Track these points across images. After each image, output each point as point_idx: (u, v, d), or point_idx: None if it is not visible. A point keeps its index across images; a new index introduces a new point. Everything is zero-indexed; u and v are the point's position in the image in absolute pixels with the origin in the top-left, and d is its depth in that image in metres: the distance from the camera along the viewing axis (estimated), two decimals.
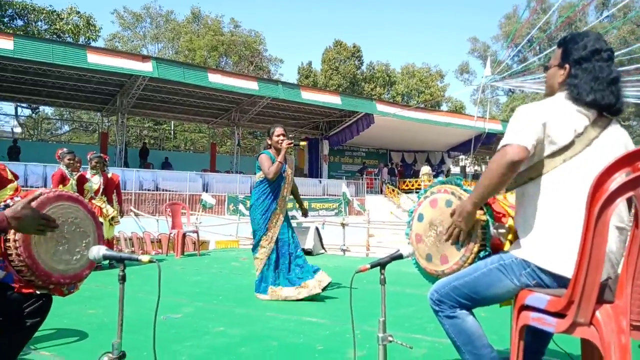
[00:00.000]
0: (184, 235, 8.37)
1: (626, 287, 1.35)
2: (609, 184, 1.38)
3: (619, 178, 1.37)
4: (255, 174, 4.56)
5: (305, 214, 4.84)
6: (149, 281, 5.34)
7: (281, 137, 4.34)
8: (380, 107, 21.20)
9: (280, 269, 4.32)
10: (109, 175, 6.81)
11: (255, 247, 4.42)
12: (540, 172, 1.63)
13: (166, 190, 16.68)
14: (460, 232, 1.80)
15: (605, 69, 1.64)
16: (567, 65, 1.70)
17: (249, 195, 18.30)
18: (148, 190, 16.47)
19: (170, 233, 8.31)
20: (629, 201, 1.55)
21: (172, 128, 30.97)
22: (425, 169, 24.20)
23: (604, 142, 1.62)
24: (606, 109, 1.62)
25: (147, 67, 15.42)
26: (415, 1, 77.52)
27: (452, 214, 1.84)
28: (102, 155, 6.80)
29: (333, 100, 19.99)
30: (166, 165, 20.57)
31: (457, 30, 78.68)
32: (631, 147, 1.69)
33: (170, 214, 8.38)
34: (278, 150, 4.33)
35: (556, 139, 1.60)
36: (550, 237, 1.59)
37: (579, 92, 1.63)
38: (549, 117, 1.60)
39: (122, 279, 1.79)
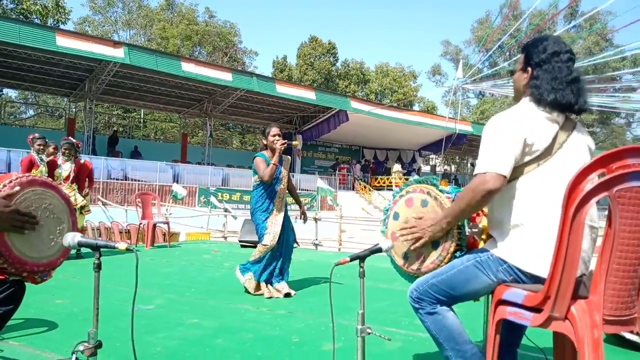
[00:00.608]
0: (154, 226, 8.23)
1: (599, 283, 1.41)
2: (584, 185, 1.44)
3: (594, 179, 1.43)
4: (252, 176, 4.48)
5: (304, 219, 4.75)
6: (117, 271, 5.23)
7: (277, 138, 4.28)
8: (355, 104, 21.32)
9: (271, 267, 4.29)
10: (82, 162, 6.59)
11: (260, 239, 4.34)
12: (516, 176, 1.68)
13: (135, 180, 16.32)
14: (420, 238, 1.85)
15: (564, 69, 1.69)
16: (529, 68, 1.76)
17: (222, 187, 18.17)
18: (116, 179, 16.07)
19: (140, 223, 8.15)
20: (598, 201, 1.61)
21: (142, 116, 30.27)
22: (397, 167, 24.54)
23: (572, 145, 1.69)
24: (568, 108, 1.68)
25: (118, 53, 15.00)
26: (391, 1, 78.11)
27: (418, 219, 1.88)
28: (74, 141, 6.57)
29: (307, 95, 19.97)
30: (135, 154, 20.10)
31: (431, 32, 79.75)
32: (593, 147, 1.78)
33: (140, 205, 8.21)
34: (274, 151, 4.28)
35: (534, 149, 1.65)
36: (526, 237, 1.63)
37: (540, 93, 1.67)
38: (526, 132, 1.64)
39: (98, 267, 1.75)
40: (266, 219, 4.28)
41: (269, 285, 4.27)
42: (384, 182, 24.65)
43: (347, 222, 11.04)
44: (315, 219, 9.61)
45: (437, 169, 36.81)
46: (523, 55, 1.81)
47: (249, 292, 4.26)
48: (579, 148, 1.70)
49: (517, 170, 1.67)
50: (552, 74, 1.68)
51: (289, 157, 4.66)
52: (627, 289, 1.45)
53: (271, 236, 4.25)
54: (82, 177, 6.50)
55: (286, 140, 4.29)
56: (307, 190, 20.38)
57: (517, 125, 1.65)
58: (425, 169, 35.86)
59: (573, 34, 35.69)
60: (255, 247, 4.47)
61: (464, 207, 1.69)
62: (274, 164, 4.18)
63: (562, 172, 1.62)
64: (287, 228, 4.41)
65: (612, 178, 1.41)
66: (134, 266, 1.74)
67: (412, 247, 1.89)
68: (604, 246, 1.43)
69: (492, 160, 1.62)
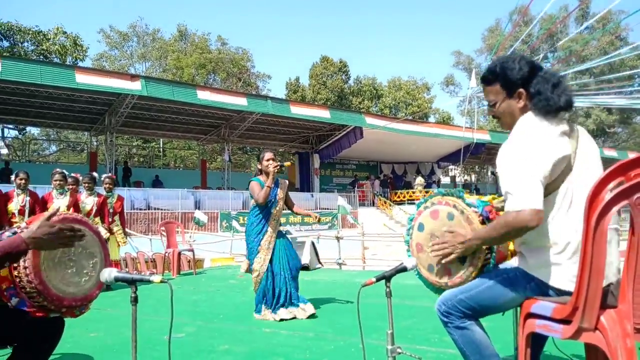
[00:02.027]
0: (180, 254, 8.33)
1: (627, 292, 1.42)
2: (604, 194, 1.46)
3: (614, 187, 1.44)
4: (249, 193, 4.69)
5: (319, 220, 5.08)
6: (146, 301, 5.32)
7: (270, 162, 4.47)
8: (369, 119, 21.39)
9: (277, 291, 4.35)
10: (115, 196, 6.88)
11: (250, 269, 4.52)
12: (545, 194, 1.69)
13: (158, 209, 16.56)
14: (449, 254, 1.85)
15: (550, 75, 1.71)
16: (520, 90, 1.74)
17: (242, 211, 18.31)
18: (140, 209, 16.35)
19: (166, 252, 8.26)
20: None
21: (162, 146, 30.87)
22: (419, 180, 24.41)
23: (583, 152, 1.70)
24: (569, 107, 1.68)
25: (136, 86, 15.42)
26: (399, 17, 78.77)
27: (449, 232, 1.89)
28: (95, 175, 6.77)
29: (322, 114, 20.14)
30: (157, 183, 20.46)
31: (441, 43, 79.94)
32: (595, 146, 1.77)
33: (165, 233, 8.35)
34: (268, 174, 4.46)
35: (560, 169, 1.65)
36: (555, 253, 1.65)
37: (549, 104, 1.66)
38: (551, 155, 1.62)
39: (135, 300, 1.83)
40: (259, 241, 4.40)
41: (281, 308, 4.30)
42: (404, 197, 24.52)
43: (369, 239, 11.00)
44: (338, 238, 9.60)
45: (457, 179, 36.45)
46: (498, 85, 1.78)
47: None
48: (589, 153, 1.71)
49: (546, 189, 1.67)
50: (549, 82, 1.69)
51: (287, 180, 4.84)
52: None
53: (261, 260, 4.35)
54: (107, 211, 6.68)
55: (278, 163, 4.45)
56: (328, 208, 20.40)
57: (540, 150, 1.62)
58: (445, 180, 35.57)
59: (586, 35, 35.38)
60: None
61: (497, 237, 1.70)
62: (267, 187, 4.35)
63: (582, 183, 1.63)
64: (287, 254, 4.47)
65: (631, 186, 1.42)
66: (161, 295, 1.81)
67: (442, 262, 1.90)
68: (628, 254, 1.44)
69: (525, 196, 1.58)
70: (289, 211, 4.84)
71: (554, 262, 1.64)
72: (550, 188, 1.65)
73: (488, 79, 1.81)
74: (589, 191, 1.47)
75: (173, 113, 18.98)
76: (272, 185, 4.44)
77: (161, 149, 31.00)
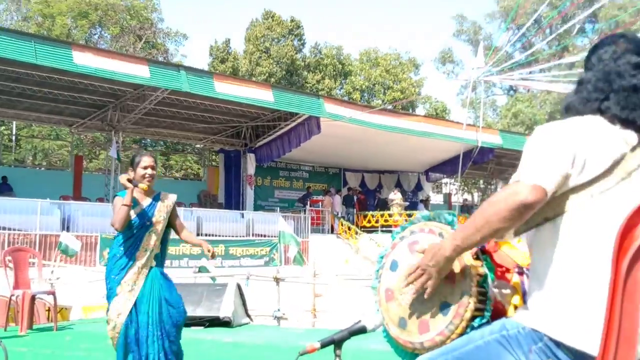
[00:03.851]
0: (33, 299, 8.08)
1: None
2: (639, 232, 1.52)
3: None
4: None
5: (212, 255, 4.86)
6: None
7: (149, 171, 4.51)
8: (330, 107, 21.51)
9: (143, 356, 4.27)
10: None
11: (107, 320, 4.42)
12: (559, 211, 1.75)
13: (4, 229, 16.01)
14: (427, 281, 1.89)
15: (633, 79, 1.81)
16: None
17: None
18: None
19: (12, 295, 8.00)
20: None
21: (14, 132, 29.92)
22: (397, 197, 24.63)
23: None
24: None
25: None
26: None
27: (419, 253, 1.93)
28: None
29: (262, 95, 20.10)
30: (4, 188, 19.79)
31: (437, 3, 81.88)
32: None
33: (12, 266, 8.08)
34: (147, 188, 4.53)
35: (586, 170, 1.72)
36: (571, 300, 1.70)
37: (609, 108, 1.80)
38: (579, 145, 1.73)
39: None
40: (119, 281, 4.35)
41: None
42: (376, 221, 24.77)
43: (323, 282, 11.04)
44: (277, 280, 9.59)
45: (454, 198, 37.29)
46: (586, 58, 1.97)
47: None
48: None
49: (560, 202, 1.74)
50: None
51: (175, 194, 4.82)
52: None
53: (115, 314, 4.27)
54: None
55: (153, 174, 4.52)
56: (265, 235, 20.32)
57: (569, 134, 1.75)
58: (437, 198, 36.32)
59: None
60: (190, 324, 4.51)
61: (481, 223, 1.74)
62: (124, 205, 4.31)
63: (624, 211, 1.70)
64: (162, 299, 4.42)
65: None
66: None
67: (426, 296, 1.92)
68: None
69: (530, 169, 1.72)
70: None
71: (570, 311, 1.69)
72: (573, 199, 1.74)
73: (592, 47, 1.99)
74: (621, 224, 1.53)
75: (34, 84, 18.45)
76: (130, 204, 4.39)
77: (13, 138, 30.02)
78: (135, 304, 4.31)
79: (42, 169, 29.45)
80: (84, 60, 16.63)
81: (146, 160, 4.53)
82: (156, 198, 4.60)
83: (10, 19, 35.03)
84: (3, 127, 29.49)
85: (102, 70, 16.91)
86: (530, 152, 1.78)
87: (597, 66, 1.89)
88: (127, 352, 4.26)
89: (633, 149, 1.77)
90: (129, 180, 4.45)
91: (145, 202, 4.53)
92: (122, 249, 4.44)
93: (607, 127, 1.78)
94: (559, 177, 1.71)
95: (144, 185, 4.48)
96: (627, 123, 1.77)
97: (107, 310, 4.39)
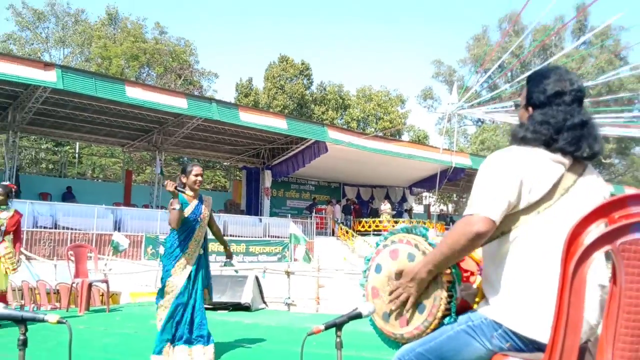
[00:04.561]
0: (90, 286, 8.08)
1: (607, 350, 1.48)
2: (584, 237, 1.52)
3: (595, 230, 1.51)
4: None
5: (229, 257, 5.15)
6: (43, 345, 5.09)
7: (199, 178, 4.67)
8: (333, 133, 21.60)
9: (181, 322, 4.43)
10: (11, 210, 6.59)
11: (159, 295, 4.56)
12: (511, 227, 1.76)
13: (67, 229, 16.01)
14: (408, 298, 1.90)
15: (567, 112, 1.79)
16: (530, 108, 1.88)
17: None
18: (44, 227, 15.72)
19: (73, 283, 8.00)
20: (607, 255, 1.69)
21: (77, 151, 30.02)
22: (386, 207, 24.66)
23: (580, 190, 1.77)
24: (573, 154, 1.77)
25: (50, 76, 14.98)
26: (372, 17, 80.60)
27: (397, 274, 1.94)
28: (7, 184, 6.58)
29: (277, 123, 20.19)
30: (68, 196, 19.78)
31: (420, 50, 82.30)
32: (607, 193, 1.84)
33: (73, 259, 8.08)
34: (194, 192, 4.66)
35: (532, 194, 1.73)
36: (524, 297, 1.70)
37: (557, 142, 1.76)
38: (525, 172, 1.73)
39: (23, 343, 1.76)
40: (173, 267, 4.49)
41: (182, 345, 4.35)
42: (369, 226, 24.76)
43: (325, 275, 11.01)
44: (288, 273, 9.58)
45: (432, 208, 37.23)
46: (525, 91, 1.92)
47: None
48: (589, 195, 1.77)
49: (513, 219, 1.75)
50: (554, 119, 1.77)
51: (210, 197, 4.99)
52: (638, 357, 1.52)
53: (171, 288, 4.42)
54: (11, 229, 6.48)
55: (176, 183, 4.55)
56: (278, 236, 20.31)
57: (514, 165, 1.73)
58: (418, 209, 36.26)
59: (583, 50, 37.34)
60: (216, 308, 4.59)
61: (447, 251, 1.76)
62: (173, 209, 4.39)
63: (566, 222, 1.70)
64: (195, 272, 4.55)
65: (614, 229, 1.48)
66: (63, 337, 1.75)
67: (402, 309, 1.94)
68: (609, 307, 1.50)
69: (481, 203, 1.71)
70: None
71: (521, 306, 1.69)
72: (521, 218, 1.74)
73: (527, 80, 1.94)
74: (568, 233, 1.53)
75: (94, 112, 18.52)
76: (190, 204, 4.60)
77: (76, 155, 30.12)
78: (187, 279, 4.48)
79: (99, 181, 29.48)
80: (134, 94, 16.72)
81: (197, 169, 4.70)
82: (200, 199, 4.74)
83: (76, 60, 35.27)
84: (68, 147, 29.62)
85: (149, 102, 17.00)
86: (481, 183, 1.77)
87: (544, 102, 1.83)
88: (173, 316, 4.36)
89: (569, 169, 1.78)
90: (176, 187, 4.53)
91: (194, 203, 4.65)
92: (178, 240, 4.56)
93: (547, 155, 1.77)
94: (505, 206, 1.71)
95: (190, 192, 4.61)
96: (569, 154, 1.77)
97: (162, 286, 4.50)
